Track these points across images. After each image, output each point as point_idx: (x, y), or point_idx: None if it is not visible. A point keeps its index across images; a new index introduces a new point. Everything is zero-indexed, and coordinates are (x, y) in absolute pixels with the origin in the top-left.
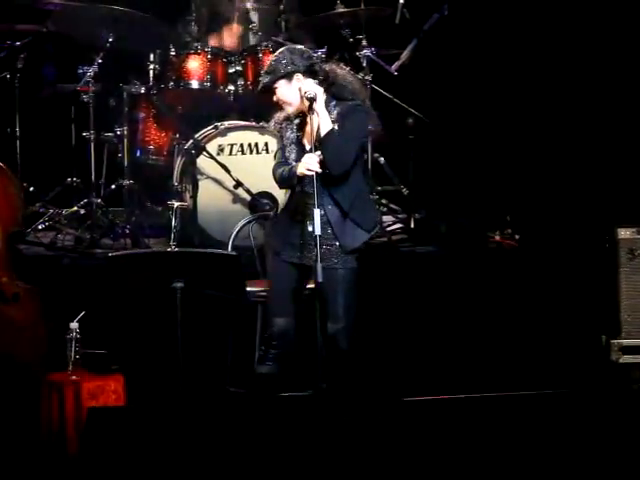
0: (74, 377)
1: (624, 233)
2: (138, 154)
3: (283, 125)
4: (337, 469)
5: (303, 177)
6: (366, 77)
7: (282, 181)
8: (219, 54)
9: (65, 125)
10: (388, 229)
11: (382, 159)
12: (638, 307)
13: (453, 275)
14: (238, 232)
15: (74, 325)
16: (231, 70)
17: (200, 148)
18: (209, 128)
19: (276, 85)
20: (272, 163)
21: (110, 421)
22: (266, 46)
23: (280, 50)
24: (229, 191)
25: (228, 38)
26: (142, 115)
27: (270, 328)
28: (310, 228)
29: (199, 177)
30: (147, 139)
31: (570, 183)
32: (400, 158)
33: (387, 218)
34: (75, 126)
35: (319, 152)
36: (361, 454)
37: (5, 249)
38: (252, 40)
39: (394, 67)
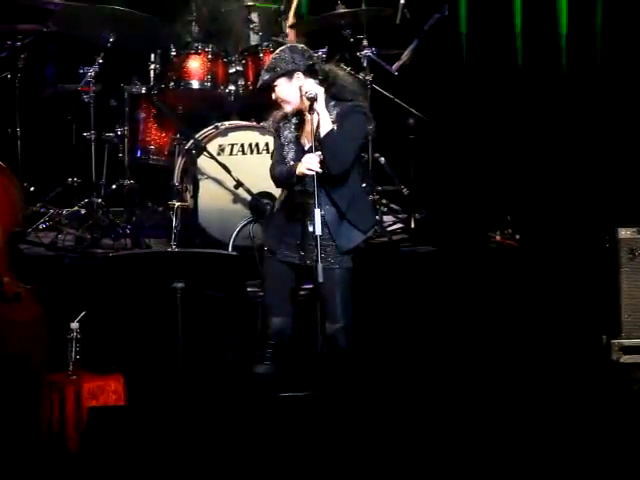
0: (74, 377)
1: (625, 233)
2: (139, 154)
3: (281, 124)
4: (337, 469)
5: (302, 177)
6: (367, 77)
7: (281, 180)
8: (219, 54)
9: (66, 125)
10: (388, 229)
11: (382, 159)
12: (639, 307)
13: (453, 275)
14: (239, 232)
15: (75, 325)
16: (232, 70)
17: (201, 148)
18: (210, 128)
19: (276, 83)
20: None
21: (110, 421)
22: (267, 46)
23: (281, 48)
24: (230, 191)
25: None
26: (143, 115)
27: (267, 328)
28: (310, 228)
29: (200, 177)
30: (148, 139)
31: (570, 183)
32: (400, 158)
33: (387, 218)
34: (76, 126)
35: (319, 152)
36: (361, 454)
37: (6, 249)
38: (252, 40)
39: (395, 67)
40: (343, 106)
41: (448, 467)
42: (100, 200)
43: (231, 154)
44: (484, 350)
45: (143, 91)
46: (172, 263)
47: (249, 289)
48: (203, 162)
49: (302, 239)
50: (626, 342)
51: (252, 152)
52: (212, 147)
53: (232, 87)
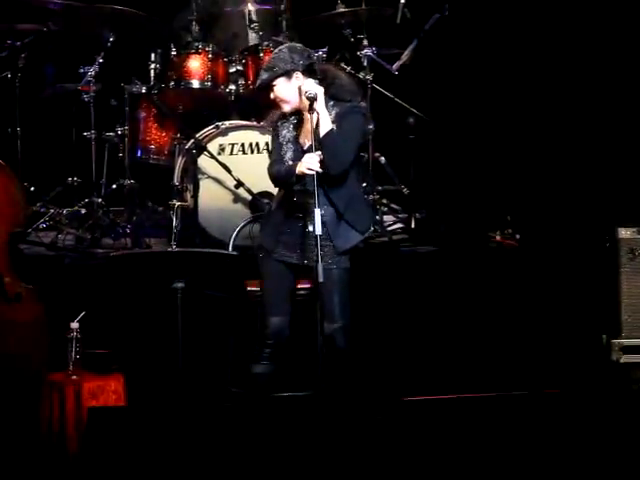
0: (75, 377)
1: (625, 233)
2: (139, 154)
3: (279, 123)
4: (337, 469)
5: (302, 176)
6: (367, 77)
7: (279, 179)
8: (220, 54)
9: (66, 125)
10: (389, 229)
11: (383, 159)
12: (639, 307)
13: (453, 275)
14: (239, 232)
15: (75, 325)
16: (232, 70)
17: (201, 148)
18: (210, 128)
19: (274, 83)
20: None
21: (110, 421)
22: (267, 46)
23: (280, 48)
24: (230, 191)
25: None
26: (143, 115)
27: (264, 327)
28: (310, 228)
29: (200, 177)
30: (148, 139)
31: (570, 183)
32: (401, 158)
33: (388, 218)
34: (76, 126)
35: (319, 152)
36: (361, 454)
37: (7, 249)
38: (253, 40)
39: (395, 67)
40: (342, 106)
41: (448, 467)
42: (100, 200)
43: (231, 154)
44: (484, 350)
45: (143, 91)
46: (172, 263)
47: (249, 289)
48: (203, 162)
49: (300, 239)
50: (626, 342)
51: (252, 152)
52: (212, 147)
53: (232, 87)
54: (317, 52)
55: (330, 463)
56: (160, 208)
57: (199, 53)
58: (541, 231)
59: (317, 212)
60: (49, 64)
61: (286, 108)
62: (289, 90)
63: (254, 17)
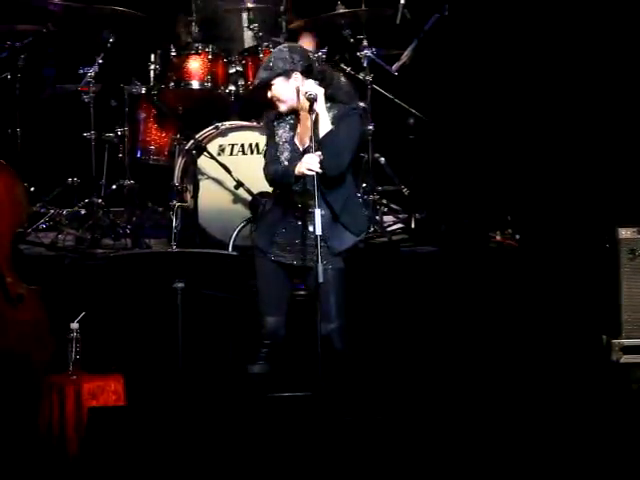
0: (74, 377)
1: (625, 233)
2: (139, 154)
3: (275, 123)
4: (337, 469)
5: (301, 177)
6: (367, 77)
7: (276, 180)
8: (219, 54)
9: (66, 125)
10: (389, 229)
11: (382, 159)
12: (639, 307)
13: (454, 275)
14: (239, 232)
15: (75, 325)
16: (231, 70)
17: (201, 148)
18: (210, 128)
19: (273, 82)
20: None
21: (110, 421)
22: (266, 46)
23: (280, 47)
24: (230, 191)
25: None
26: (143, 115)
27: (261, 327)
28: (311, 228)
29: (200, 177)
30: (148, 139)
31: (571, 183)
32: (401, 158)
33: (388, 218)
34: (76, 126)
35: (319, 152)
36: (361, 454)
37: (10, 249)
38: (252, 40)
39: (395, 67)
40: (339, 108)
41: (448, 467)
42: (100, 200)
43: (231, 154)
44: (484, 350)
45: (143, 91)
46: (172, 263)
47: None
48: (203, 162)
49: (297, 239)
50: (626, 342)
51: (252, 152)
52: (212, 147)
53: (232, 87)
54: (317, 53)
55: (329, 463)
56: (160, 208)
57: (199, 54)
58: (541, 231)
59: (317, 212)
60: (49, 65)
61: (282, 108)
62: (287, 90)
63: (253, 18)
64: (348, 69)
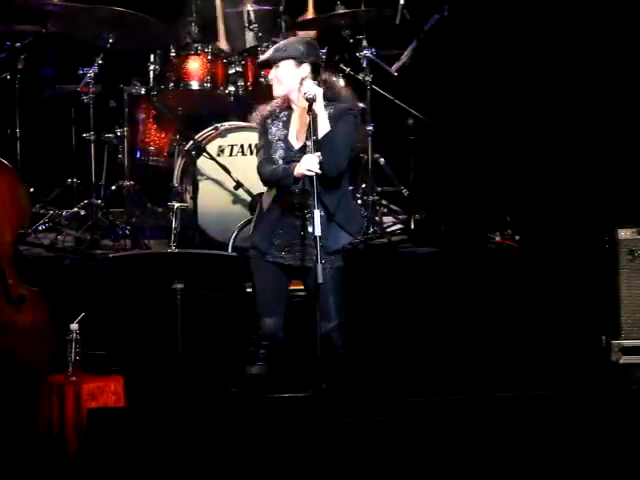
0: (74, 378)
1: (624, 234)
2: (138, 155)
3: (268, 121)
4: (337, 470)
5: (299, 178)
6: (366, 78)
7: (273, 180)
8: (219, 55)
9: (65, 126)
10: (388, 230)
11: (382, 160)
12: (638, 308)
13: (453, 276)
14: (238, 233)
15: (74, 326)
16: (231, 71)
17: (200, 149)
18: (209, 129)
19: (281, 63)
20: None
21: (110, 422)
22: (266, 47)
23: (296, 38)
24: (229, 192)
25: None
26: (142, 116)
27: (259, 329)
28: (310, 229)
29: (199, 178)
30: (147, 140)
31: (570, 184)
32: (400, 159)
33: (387, 219)
34: (75, 127)
35: (319, 153)
36: (361, 455)
37: (12, 251)
38: (252, 41)
39: (394, 68)
40: (335, 107)
41: (449, 468)
42: (100, 201)
43: (231, 155)
44: (484, 351)
45: (142, 92)
46: (172, 264)
47: (248, 290)
48: (203, 163)
49: (296, 239)
50: (625, 343)
51: (252, 153)
52: (212, 148)
53: (232, 88)
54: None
55: (329, 465)
56: (159, 209)
57: (198, 54)
58: (541, 232)
59: (317, 213)
60: (48, 65)
61: (279, 91)
62: (292, 76)
63: (253, 18)
64: (348, 69)
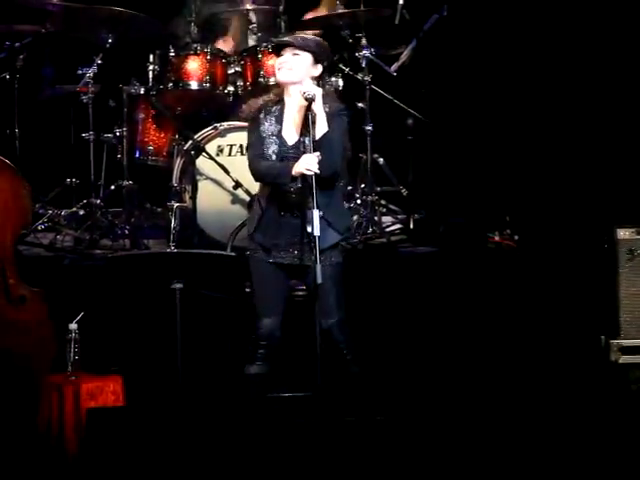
0: (73, 378)
1: (623, 233)
2: (137, 155)
3: (261, 116)
4: (337, 469)
5: (297, 177)
6: (365, 78)
7: (268, 177)
8: (218, 55)
9: (64, 126)
10: (387, 230)
11: (381, 160)
12: (637, 307)
13: (452, 275)
14: (237, 233)
15: (73, 326)
16: (230, 71)
17: (199, 149)
18: (208, 129)
19: (302, 53)
20: None
21: (109, 422)
22: (265, 47)
23: (316, 37)
24: (228, 192)
25: (224, 45)
26: (141, 116)
27: (257, 328)
28: (309, 228)
29: (198, 178)
30: (146, 140)
31: (569, 183)
32: (399, 159)
33: (386, 219)
34: (74, 127)
35: (318, 153)
36: (360, 454)
37: (13, 251)
38: (251, 41)
39: (393, 68)
40: (330, 106)
41: (448, 468)
42: (99, 201)
43: (230, 155)
44: (483, 350)
45: (142, 92)
46: (171, 264)
47: (247, 290)
48: (202, 163)
49: (295, 239)
50: (625, 342)
51: None
52: (211, 148)
53: (231, 88)
54: None
55: (329, 464)
56: (159, 209)
57: (197, 54)
58: (540, 232)
59: (315, 213)
60: (47, 65)
61: (285, 77)
62: (306, 69)
63: (253, 18)
64: (347, 69)
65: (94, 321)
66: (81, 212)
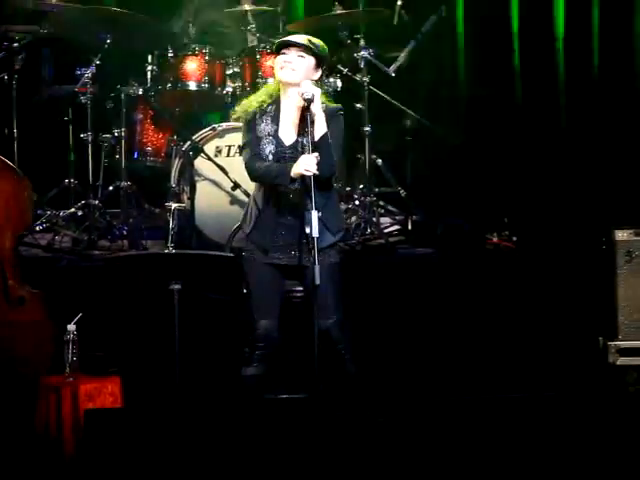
0: (71, 379)
1: (621, 235)
2: (136, 156)
3: (256, 116)
4: (335, 471)
5: (296, 178)
6: (364, 78)
7: (268, 177)
8: (217, 56)
9: (63, 127)
10: (386, 231)
11: (380, 161)
12: (635, 309)
13: (451, 277)
14: (235, 234)
15: (71, 327)
16: (229, 71)
17: (198, 150)
18: (207, 129)
19: (307, 56)
20: None
21: (107, 423)
22: (264, 47)
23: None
24: (226, 193)
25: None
26: (140, 116)
27: (254, 330)
28: (307, 230)
29: (196, 179)
30: (145, 141)
31: (568, 185)
32: (398, 160)
33: (384, 220)
34: (73, 128)
35: (317, 154)
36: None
37: (14, 252)
38: (250, 42)
39: (392, 68)
40: (327, 108)
41: (446, 469)
42: (97, 202)
43: (228, 155)
44: (481, 352)
45: (140, 92)
46: (169, 265)
47: (246, 290)
48: (200, 164)
49: (293, 240)
50: (623, 344)
51: None
52: (209, 148)
53: (229, 88)
54: None
55: (326, 466)
56: (157, 210)
57: (196, 55)
58: (538, 233)
59: (314, 214)
60: (46, 66)
61: (287, 77)
62: (308, 72)
63: (251, 19)
64: (345, 70)
65: (92, 322)
66: (79, 213)
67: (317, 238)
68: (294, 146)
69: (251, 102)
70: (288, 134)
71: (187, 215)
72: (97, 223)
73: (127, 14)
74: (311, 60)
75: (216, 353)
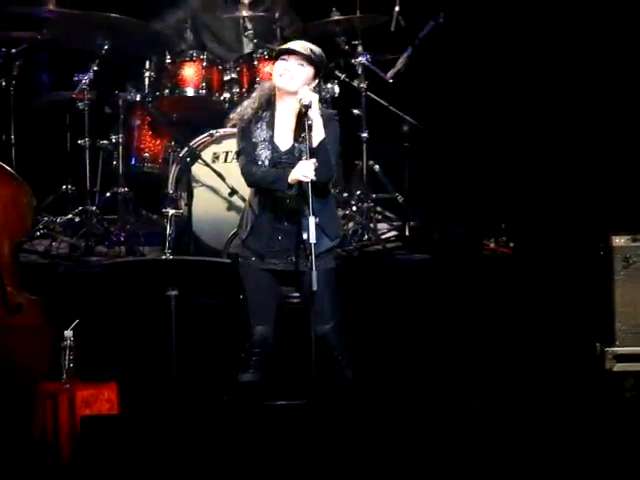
0: (68, 385)
1: (619, 240)
2: (133, 162)
3: (252, 122)
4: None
5: (294, 184)
6: (361, 84)
7: (265, 183)
8: (214, 61)
9: (60, 132)
10: (383, 237)
11: (377, 167)
12: (633, 315)
13: (448, 283)
14: (233, 240)
15: (68, 333)
16: (226, 77)
17: (195, 156)
18: (204, 136)
19: (307, 65)
20: None
21: (104, 430)
22: (261, 53)
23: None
24: (224, 199)
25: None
26: (137, 122)
27: (250, 336)
28: (305, 236)
29: (194, 185)
30: (142, 147)
31: (565, 190)
32: (395, 165)
33: (382, 226)
34: (70, 133)
35: (314, 160)
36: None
37: (12, 259)
38: (247, 47)
39: (389, 74)
40: (323, 114)
41: (444, 474)
42: (94, 208)
43: (225, 161)
44: (478, 357)
45: (138, 98)
46: (166, 271)
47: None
48: (197, 170)
49: (290, 246)
50: (620, 350)
51: None
52: (206, 155)
53: (227, 94)
54: None
55: (324, 472)
56: (154, 216)
57: (194, 61)
58: (535, 239)
59: (312, 220)
60: (44, 72)
61: (282, 84)
62: (305, 81)
63: (248, 24)
64: (342, 76)
65: (89, 328)
66: (76, 219)
67: (314, 244)
68: (290, 151)
69: (246, 108)
70: (284, 140)
71: (184, 221)
72: (94, 229)
73: (125, 20)
74: (310, 70)
75: (213, 359)
